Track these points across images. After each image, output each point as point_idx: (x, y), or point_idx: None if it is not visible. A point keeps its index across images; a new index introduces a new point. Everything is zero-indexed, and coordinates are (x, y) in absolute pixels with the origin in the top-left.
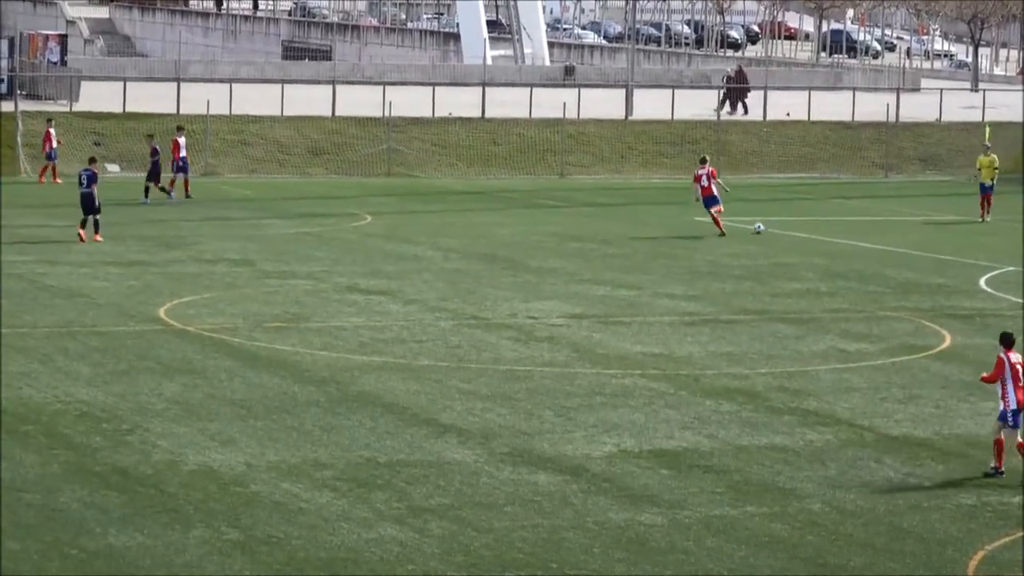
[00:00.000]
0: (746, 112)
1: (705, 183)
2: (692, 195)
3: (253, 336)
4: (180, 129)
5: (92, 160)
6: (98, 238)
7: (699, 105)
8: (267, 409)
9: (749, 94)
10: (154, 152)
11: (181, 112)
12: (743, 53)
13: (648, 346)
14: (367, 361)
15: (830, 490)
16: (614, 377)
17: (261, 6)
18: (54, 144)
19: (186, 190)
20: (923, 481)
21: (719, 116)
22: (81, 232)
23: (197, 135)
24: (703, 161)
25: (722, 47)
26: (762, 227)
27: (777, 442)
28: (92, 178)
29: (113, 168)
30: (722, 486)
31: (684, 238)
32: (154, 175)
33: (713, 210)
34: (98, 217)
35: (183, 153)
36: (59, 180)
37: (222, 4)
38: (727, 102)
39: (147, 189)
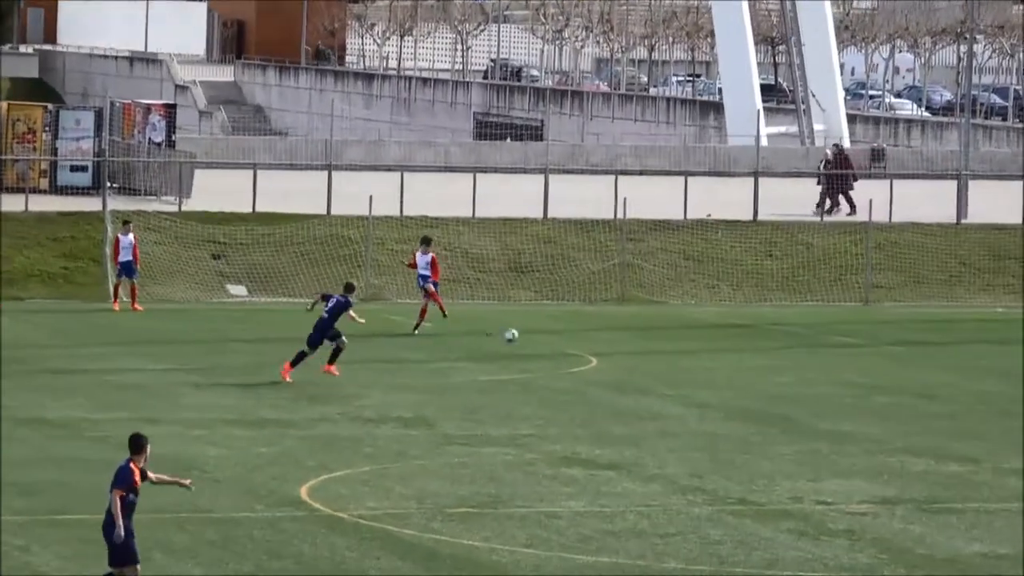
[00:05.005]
0: (852, 211)
1: None
2: None
3: (431, 527)
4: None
5: (350, 288)
6: (333, 370)
7: None
8: None
9: (855, 184)
10: None
11: (333, 212)
12: None
13: (989, 544)
14: (592, 562)
15: None
16: None
17: (444, 66)
18: (129, 256)
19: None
20: None
21: (822, 217)
22: (332, 368)
23: (355, 244)
24: None
25: None
26: (515, 335)
27: None
28: (342, 306)
29: (238, 290)
30: None
31: None
32: None
33: None
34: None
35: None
36: (139, 307)
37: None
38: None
39: None
